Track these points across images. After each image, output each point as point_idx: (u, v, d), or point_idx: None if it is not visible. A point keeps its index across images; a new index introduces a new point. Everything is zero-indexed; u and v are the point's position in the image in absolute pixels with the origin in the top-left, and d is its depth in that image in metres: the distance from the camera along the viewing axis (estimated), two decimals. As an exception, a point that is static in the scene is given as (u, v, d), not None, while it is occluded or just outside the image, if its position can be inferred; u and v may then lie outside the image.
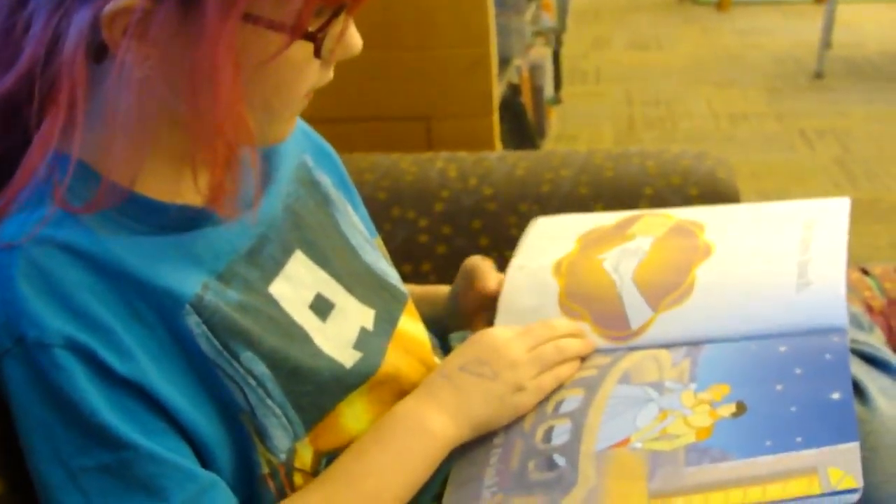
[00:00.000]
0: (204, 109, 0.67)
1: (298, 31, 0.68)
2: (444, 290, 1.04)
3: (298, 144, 0.90)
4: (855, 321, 1.06)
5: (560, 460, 0.80)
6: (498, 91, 2.00)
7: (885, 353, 0.87)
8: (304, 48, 0.70)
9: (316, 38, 0.70)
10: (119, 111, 0.69)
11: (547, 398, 0.88)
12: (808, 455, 0.72)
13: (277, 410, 0.75)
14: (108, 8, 0.64)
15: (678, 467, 0.75)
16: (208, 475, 0.70)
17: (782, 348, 0.84)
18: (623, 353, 0.91)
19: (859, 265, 1.31)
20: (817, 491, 0.69)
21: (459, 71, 1.82)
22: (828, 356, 0.81)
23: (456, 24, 1.80)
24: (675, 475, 0.75)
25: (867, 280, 1.28)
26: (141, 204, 0.72)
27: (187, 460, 0.70)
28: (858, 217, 2.99)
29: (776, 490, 0.71)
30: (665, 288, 0.93)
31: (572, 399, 0.86)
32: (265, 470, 0.75)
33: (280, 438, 0.75)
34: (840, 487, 0.69)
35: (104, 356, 0.67)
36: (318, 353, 0.79)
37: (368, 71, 1.80)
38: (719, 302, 0.90)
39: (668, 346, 0.89)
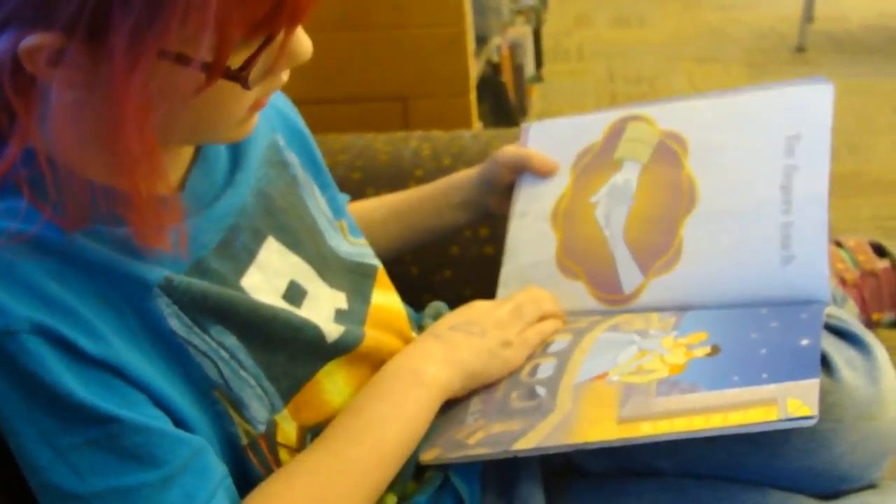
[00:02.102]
0: (115, 151, 0.65)
1: (217, 71, 0.63)
2: (463, 178, 1.10)
3: (270, 123, 0.89)
4: (828, 294, 1.07)
5: (541, 391, 0.85)
6: (475, 70, 1.99)
7: (852, 325, 0.87)
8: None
9: (239, 77, 0.65)
10: (61, 126, 0.67)
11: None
12: (771, 388, 0.75)
13: (252, 381, 0.76)
14: (22, 46, 0.62)
15: (649, 397, 0.79)
16: (197, 438, 0.71)
17: (763, 310, 0.87)
18: (615, 314, 0.96)
19: (834, 238, 1.31)
20: (774, 418, 0.72)
21: (435, 50, 1.82)
22: (804, 315, 0.84)
23: (431, 4, 1.79)
24: (645, 404, 0.78)
25: (841, 252, 1.29)
26: (105, 194, 0.71)
27: (172, 428, 0.70)
28: (840, 190, 2.95)
29: (737, 416, 0.74)
30: (655, 250, 0.96)
31: (561, 342, 0.91)
32: (245, 441, 0.76)
33: (257, 409, 0.76)
34: (796, 415, 0.71)
35: (74, 338, 0.67)
36: (304, 322, 0.79)
37: (343, 51, 1.79)
38: (706, 272, 0.93)
39: (658, 310, 0.93)
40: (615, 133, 1.04)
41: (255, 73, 0.67)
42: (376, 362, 0.85)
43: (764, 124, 0.97)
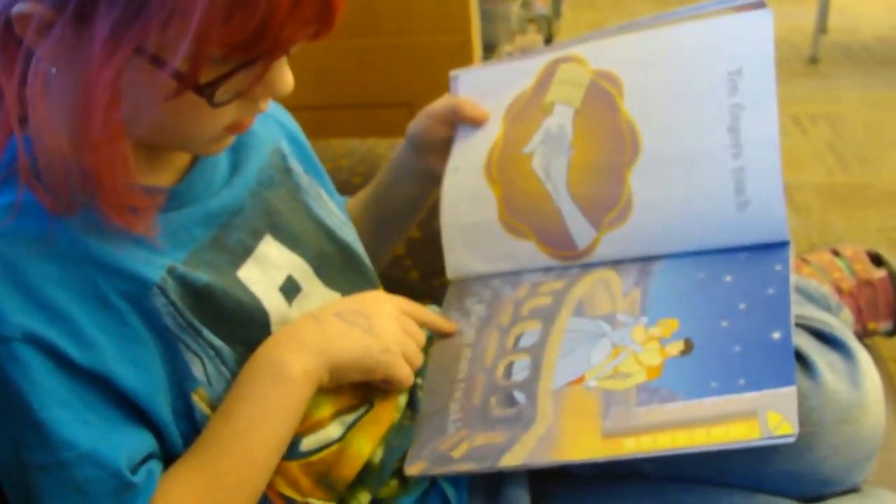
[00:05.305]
0: (80, 133, 0.66)
1: (188, 81, 0.65)
2: (397, 149, 1.06)
3: (274, 130, 0.90)
4: (823, 302, 1.07)
5: (520, 397, 0.84)
6: (482, 77, 2.00)
7: (835, 328, 0.88)
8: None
9: (205, 92, 0.66)
10: (38, 97, 0.67)
11: (506, 332, 0.91)
12: (750, 398, 0.75)
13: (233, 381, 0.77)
14: (15, 10, 0.64)
15: (629, 407, 0.78)
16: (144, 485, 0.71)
17: (728, 278, 0.86)
18: (576, 278, 0.93)
19: (830, 247, 1.32)
20: (757, 436, 0.72)
21: (441, 57, 1.82)
22: (770, 290, 0.82)
23: (437, 11, 1.80)
24: (627, 415, 0.78)
25: (837, 262, 1.29)
26: (82, 177, 0.70)
27: (131, 462, 0.70)
28: (849, 201, 2.94)
29: (719, 433, 0.74)
30: (603, 203, 0.93)
31: (530, 333, 0.89)
32: None
33: None
34: (777, 433, 0.72)
35: (65, 347, 0.68)
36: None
37: (349, 58, 1.80)
38: (661, 223, 0.91)
39: (618, 262, 0.92)
40: (546, 76, 0.98)
41: (225, 94, 0.68)
42: None
43: (702, 60, 0.91)
